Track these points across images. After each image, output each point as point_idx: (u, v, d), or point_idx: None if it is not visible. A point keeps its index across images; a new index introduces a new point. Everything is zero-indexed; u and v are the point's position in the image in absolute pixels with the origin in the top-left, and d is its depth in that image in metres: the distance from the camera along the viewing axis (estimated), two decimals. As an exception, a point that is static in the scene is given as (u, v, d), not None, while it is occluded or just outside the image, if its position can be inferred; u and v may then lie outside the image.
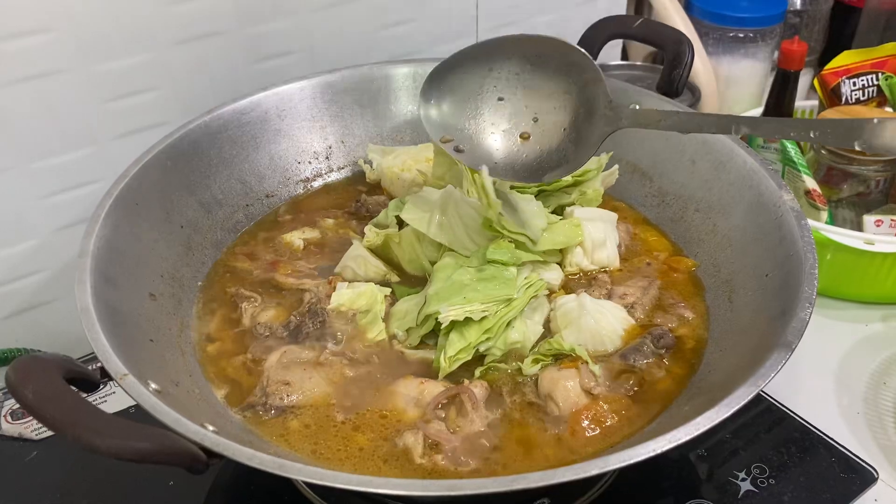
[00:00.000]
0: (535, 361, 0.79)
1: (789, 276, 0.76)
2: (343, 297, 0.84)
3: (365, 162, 1.10)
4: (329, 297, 0.85)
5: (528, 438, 0.74)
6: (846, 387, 1.01)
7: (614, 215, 0.94)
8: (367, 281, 0.88)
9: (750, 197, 0.88)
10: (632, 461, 0.58)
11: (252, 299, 0.87)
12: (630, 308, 0.86)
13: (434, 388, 0.76)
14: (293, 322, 0.84)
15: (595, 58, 1.11)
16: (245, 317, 0.86)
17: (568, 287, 0.89)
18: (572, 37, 1.13)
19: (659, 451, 0.58)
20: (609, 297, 0.88)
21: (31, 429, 0.91)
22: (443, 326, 0.78)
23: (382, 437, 0.73)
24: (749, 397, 0.62)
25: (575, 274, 0.91)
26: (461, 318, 0.77)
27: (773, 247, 0.82)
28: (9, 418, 0.93)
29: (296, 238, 0.99)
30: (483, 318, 0.78)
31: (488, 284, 0.80)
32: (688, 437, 0.59)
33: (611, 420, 0.75)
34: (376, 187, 1.08)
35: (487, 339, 0.78)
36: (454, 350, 0.77)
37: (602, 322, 0.82)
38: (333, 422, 0.75)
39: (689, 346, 0.83)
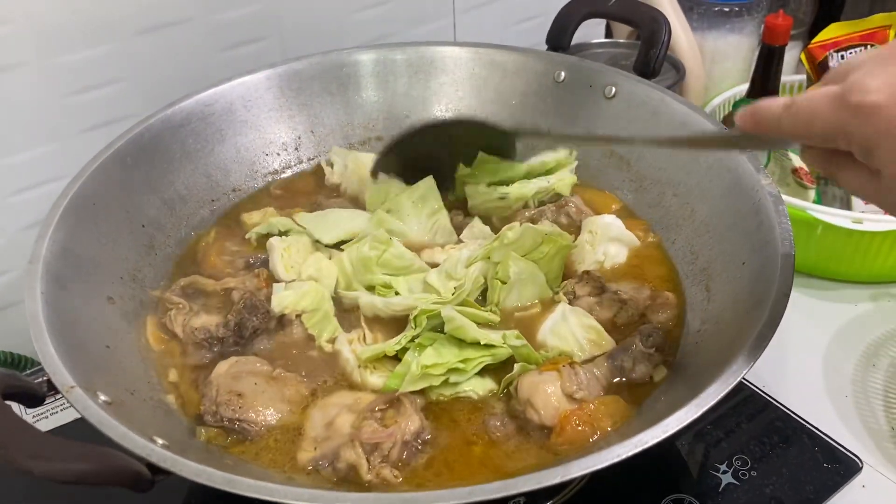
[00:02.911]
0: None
1: (766, 265, 0.74)
2: (285, 299, 0.81)
3: (327, 163, 1.06)
4: (260, 289, 0.81)
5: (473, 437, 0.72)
6: (834, 369, 0.99)
7: (634, 240, 0.93)
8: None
9: (728, 180, 0.86)
10: (595, 468, 0.56)
11: (180, 306, 0.82)
12: (622, 305, 0.83)
13: (370, 396, 0.73)
14: (232, 320, 0.80)
15: (569, 41, 1.08)
16: (175, 326, 0.81)
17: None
18: (550, 14, 1.10)
19: (624, 457, 0.56)
20: (602, 291, 0.85)
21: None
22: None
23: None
24: (720, 396, 0.60)
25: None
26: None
27: (750, 233, 0.79)
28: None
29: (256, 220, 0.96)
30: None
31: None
32: (654, 441, 0.57)
33: (596, 423, 0.71)
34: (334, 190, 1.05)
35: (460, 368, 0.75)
36: (430, 361, 0.74)
37: (565, 335, 0.80)
38: (287, 443, 0.72)
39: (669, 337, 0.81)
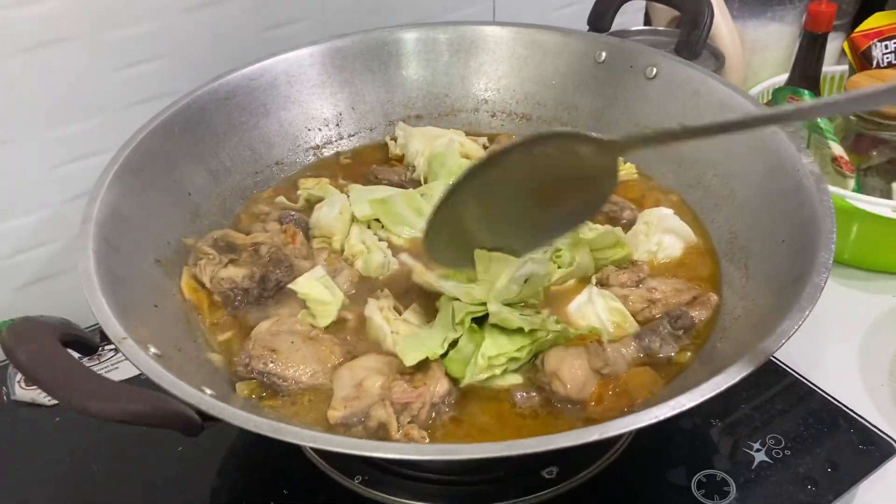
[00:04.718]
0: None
1: (806, 242, 0.73)
2: (303, 286, 0.81)
3: (391, 138, 1.08)
4: (286, 244, 0.84)
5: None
6: (871, 359, 0.98)
7: (691, 234, 0.91)
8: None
9: (769, 161, 0.85)
10: (634, 427, 0.57)
11: (210, 256, 0.84)
12: (650, 304, 0.81)
13: (398, 359, 0.74)
14: (257, 273, 0.82)
15: (610, 23, 1.09)
16: (204, 276, 0.83)
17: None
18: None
19: (662, 418, 0.57)
20: (638, 284, 0.83)
21: (44, 394, 0.92)
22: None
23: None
24: (759, 362, 0.60)
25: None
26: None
27: (790, 212, 0.79)
28: (22, 384, 0.94)
29: (309, 186, 0.98)
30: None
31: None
32: (692, 404, 0.58)
33: (631, 393, 0.72)
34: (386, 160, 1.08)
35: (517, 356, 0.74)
36: (493, 352, 0.73)
37: (589, 316, 0.80)
38: (319, 402, 0.73)
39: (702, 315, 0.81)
